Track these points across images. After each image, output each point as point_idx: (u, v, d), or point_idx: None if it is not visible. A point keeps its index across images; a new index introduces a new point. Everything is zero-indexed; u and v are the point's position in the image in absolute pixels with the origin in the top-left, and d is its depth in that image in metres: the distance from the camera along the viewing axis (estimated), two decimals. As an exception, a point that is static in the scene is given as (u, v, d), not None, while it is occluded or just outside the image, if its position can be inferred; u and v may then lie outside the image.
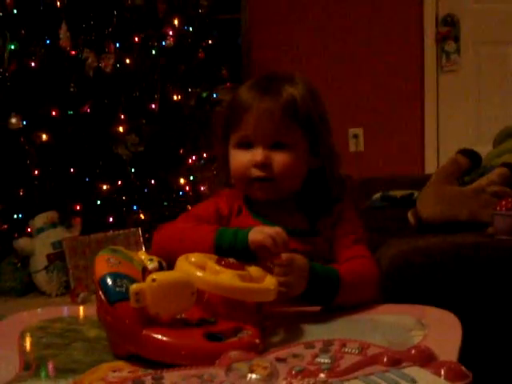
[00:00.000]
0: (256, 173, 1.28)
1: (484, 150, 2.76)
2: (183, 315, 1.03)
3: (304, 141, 1.30)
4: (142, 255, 1.14)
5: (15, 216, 3.41)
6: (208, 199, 1.41)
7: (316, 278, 1.19)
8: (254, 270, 1.12)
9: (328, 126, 1.35)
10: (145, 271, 1.09)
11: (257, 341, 0.99)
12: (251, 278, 1.08)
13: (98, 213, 3.44)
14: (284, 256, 1.16)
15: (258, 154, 1.27)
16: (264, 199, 1.32)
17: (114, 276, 1.03)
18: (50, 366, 1.04)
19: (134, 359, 0.99)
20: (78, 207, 3.40)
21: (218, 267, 1.06)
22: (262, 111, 1.27)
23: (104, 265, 1.07)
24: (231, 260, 1.10)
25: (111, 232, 3.37)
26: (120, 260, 1.09)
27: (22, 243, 3.34)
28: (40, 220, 3.35)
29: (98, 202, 3.43)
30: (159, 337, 0.96)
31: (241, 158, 1.30)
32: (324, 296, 1.21)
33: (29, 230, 3.38)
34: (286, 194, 1.32)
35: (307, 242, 1.30)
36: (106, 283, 1.02)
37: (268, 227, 1.20)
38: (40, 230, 3.35)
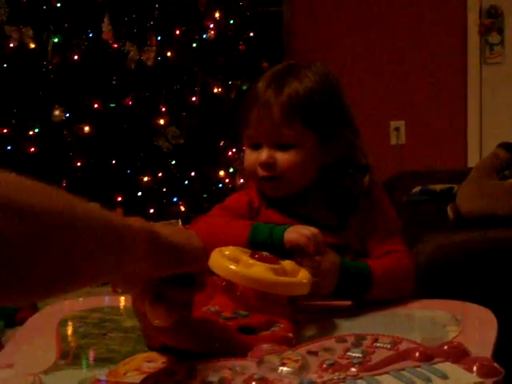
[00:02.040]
0: (261, 172, 1.29)
1: (527, 143, 2.73)
2: (217, 308, 1.04)
3: (311, 137, 1.27)
4: None
5: (58, 207, 3.45)
6: (241, 190, 1.41)
7: (347, 275, 1.20)
8: (287, 264, 1.11)
9: (343, 118, 1.31)
10: None
11: (290, 334, 0.99)
12: (285, 272, 1.08)
13: (139, 204, 3.47)
14: (312, 261, 1.16)
15: (262, 154, 1.27)
16: (273, 196, 1.32)
17: None
18: (87, 355, 1.05)
19: (167, 351, 0.99)
20: (120, 198, 3.44)
21: (251, 260, 1.06)
22: (262, 110, 1.27)
23: None
24: (265, 254, 1.10)
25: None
26: None
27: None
28: (82, 211, 3.39)
29: (139, 194, 3.46)
30: (193, 330, 0.96)
31: (249, 158, 1.31)
32: (355, 292, 1.22)
33: (71, 221, 3.43)
34: (297, 190, 1.31)
35: (337, 235, 1.29)
36: None
37: (304, 227, 1.19)
38: (82, 221, 3.39)
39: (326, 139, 1.29)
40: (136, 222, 0.84)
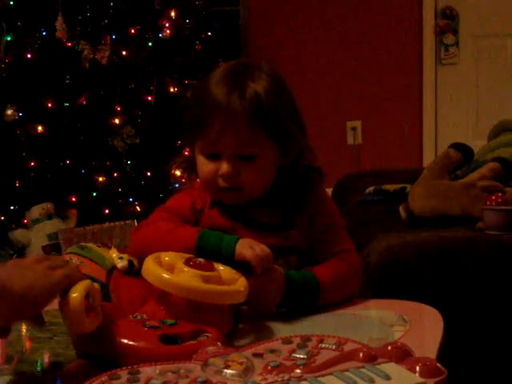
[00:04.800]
0: (222, 184, 1.25)
1: (482, 143, 2.78)
2: (144, 316, 1.02)
3: (272, 145, 1.25)
4: (114, 253, 1.14)
5: (11, 207, 3.41)
6: (183, 191, 1.38)
7: (294, 289, 1.19)
8: (225, 272, 1.10)
9: (296, 119, 1.29)
10: (113, 270, 1.08)
11: (218, 344, 0.96)
12: (219, 280, 1.06)
13: (94, 204, 3.44)
14: (257, 280, 1.14)
15: (224, 167, 1.23)
16: (232, 204, 1.29)
17: None
18: (33, 359, 1.04)
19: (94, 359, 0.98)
20: (74, 199, 3.41)
21: (185, 268, 1.04)
22: (226, 121, 1.20)
23: None
24: (201, 260, 1.08)
25: (107, 224, 3.36)
26: (82, 260, 1.08)
27: (18, 234, 3.34)
28: (36, 211, 3.36)
29: (94, 194, 3.43)
30: (113, 338, 0.95)
31: (207, 168, 1.25)
32: (304, 304, 1.20)
33: (25, 221, 3.38)
34: (256, 198, 1.29)
35: (282, 236, 1.28)
36: None
37: (257, 244, 1.16)
38: (36, 222, 3.35)
39: (283, 144, 1.26)
40: None
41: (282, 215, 1.31)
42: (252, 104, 1.21)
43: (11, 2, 3.29)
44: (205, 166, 1.26)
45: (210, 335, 0.99)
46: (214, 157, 1.24)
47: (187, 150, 3.58)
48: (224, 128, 1.21)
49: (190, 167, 1.34)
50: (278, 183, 1.30)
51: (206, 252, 1.16)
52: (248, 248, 1.15)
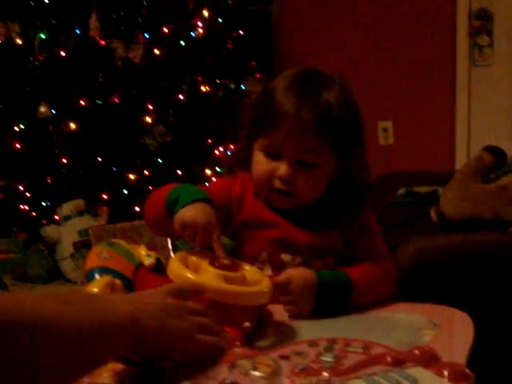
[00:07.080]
0: (278, 185, 1.26)
1: (516, 146, 2.74)
2: None
3: (333, 156, 1.26)
4: (142, 250, 1.14)
5: (43, 204, 3.44)
6: (223, 178, 1.39)
7: (326, 289, 1.19)
8: (251, 272, 1.11)
9: (359, 133, 1.30)
10: (140, 266, 1.09)
11: (237, 343, 0.97)
12: (244, 281, 1.07)
13: (125, 202, 3.45)
14: (280, 278, 1.16)
15: (283, 169, 1.24)
16: (279, 208, 1.30)
17: (102, 270, 1.04)
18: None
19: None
20: (105, 196, 3.42)
21: (210, 268, 1.05)
22: (295, 127, 1.21)
23: (95, 258, 1.07)
24: (226, 261, 1.08)
25: (137, 221, 3.38)
26: (112, 254, 1.09)
27: (49, 231, 3.37)
28: (67, 208, 3.38)
29: (125, 192, 3.44)
30: None
31: (265, 166, 1.26)
32: (335, 305, 1.20)
33: (56, 217, 3.41)
34: (305, 204, 1.29)
35: (322, 236, 1.29)
36: (93, 277, 1.03)
37: (200, 214, 1.14)
38: (67, 218, 3.38)
39: (343, 156, 1.27)
40: (121, 312, 0.80)
41: (325, 219, 1.31)
42: (323, 113, 1.22)
43: (46, 0, 3.31)
44: (263, 164, 1.27)
45: (227, 334, 0.99)
46: (274, 157, 1.26)
47: (218, 149, 3.60)
48: (291, 133, 1.22)
49: (241, 161, 1.34)
50: (327, 193, 1.31)
51: (168, 208, 1.18)
52: (184, 214, 1.14)
